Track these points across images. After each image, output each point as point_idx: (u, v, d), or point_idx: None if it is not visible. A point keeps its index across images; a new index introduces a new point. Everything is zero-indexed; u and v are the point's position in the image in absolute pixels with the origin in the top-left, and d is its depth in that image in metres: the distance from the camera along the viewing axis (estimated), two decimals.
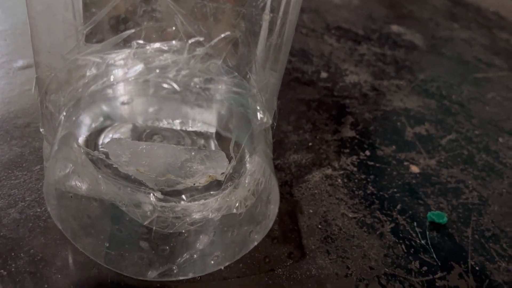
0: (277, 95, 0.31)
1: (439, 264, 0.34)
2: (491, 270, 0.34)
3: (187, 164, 0.32)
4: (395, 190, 0.40)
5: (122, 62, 0.24)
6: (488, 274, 0.34)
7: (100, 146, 0.32)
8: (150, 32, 0.26)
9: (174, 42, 0.25)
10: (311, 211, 0.36)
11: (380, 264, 0.33)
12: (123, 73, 0.23)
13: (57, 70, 0.25)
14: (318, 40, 0.65)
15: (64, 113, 0.24)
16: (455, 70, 0.66)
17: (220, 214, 0.31)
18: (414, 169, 0.43)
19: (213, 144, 0.33)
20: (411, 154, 0.45)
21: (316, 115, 0.48)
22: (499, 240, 0.37)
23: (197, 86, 0.23)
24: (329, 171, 0.40)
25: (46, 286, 0.27)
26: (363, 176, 0.41)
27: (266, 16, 0.27)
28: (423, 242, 0.35)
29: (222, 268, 0.30)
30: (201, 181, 0.32)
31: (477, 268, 0.34)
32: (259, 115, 0.26)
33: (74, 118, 0.23)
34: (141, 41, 0.25)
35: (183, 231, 0.31)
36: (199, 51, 0.25)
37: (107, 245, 0.29)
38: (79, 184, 0.30)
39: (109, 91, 0.22)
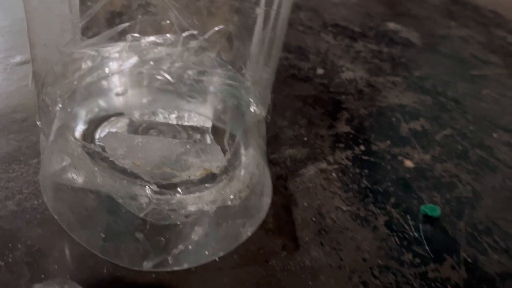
0: (271, 89, 0.32)
1: (432, 256, 0.34)
2: (483, 262, 0.35)
3: (182, 157, 0.33)
4: (389, 184, 0.40)
5: (117, 55, 0.25)
6: (480, 266, 0.34)
7: (96, 140, 0.32)
8: (145, 25, 0.26)
9: (168, 35, 0.25)
10: (305, 204, 0.36)
11: (373, 256, 0.33)
12: (118, 65, 0.24)
13: (53, 63, 0.26)
14: (315, 38, 0.65)
15: (60, 105, 0.24)
16: (451, 67, 0.67)
17: (215, 207, 0.32)
18: (409, 163, 0.43)
19: (208, 139, 0.34)
20: (405, 149, 0.45)
21: (311, 110, 0.49)
22: (492, 233, 0.38)
23: (191, 78, 0.23)
24: (323, 165, 0.41)
25: (42, 276, 0.27)
26: (357, 170, 0.41)
27: (260, 10, 0.27)
28: (416, 234, 0.36)
29: (217, 259, 0.30)
30: (196, 174, 0.33)
31: (469, 260, 0.35)
32: (252, 108, 0.26)
33: (69, 110, 0.23)
34: (136, 35, 0.26)
35: (178, 223, 0.31)
36: (193, 44, 0.25)
37: (103, 236, 0.29)
38: (76, 176, 0.31)
39: (104, 82, 0.23)
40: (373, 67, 0.60)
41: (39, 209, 0.31)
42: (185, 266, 0.29)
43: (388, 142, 0.46)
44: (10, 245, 0.28)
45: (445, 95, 0.58)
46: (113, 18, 0.26)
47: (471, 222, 0.38)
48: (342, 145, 0.44)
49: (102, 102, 0.23)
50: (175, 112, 0.34)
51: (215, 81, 0.25)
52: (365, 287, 0.31)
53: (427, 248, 0.35)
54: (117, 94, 0.22)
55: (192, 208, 0.32)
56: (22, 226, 0.30)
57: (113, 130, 0.33)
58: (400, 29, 0.75)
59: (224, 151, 0.31)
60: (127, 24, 0.25)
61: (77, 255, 0.29)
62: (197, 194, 0.33)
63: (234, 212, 0.30)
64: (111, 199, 0.31)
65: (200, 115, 0.29)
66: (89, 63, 0.25)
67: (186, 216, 0.32)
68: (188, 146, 0.33)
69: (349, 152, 0.43)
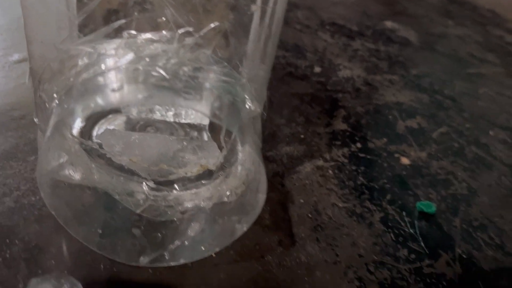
0: (267, 86, 0.32)
1: (427, 252, 0.34)
2: (478, 258, 0.35)
3: (179, 154, 0.33)
4: (385, 181, 0.40)
5: (113, 51, 0.25)
6: (475, 262, 0.35)
7: (94, 138, 0.32)
8: (141, 22, 0.27)
9: (164, 32, 0.26)
10: (302, 201, 0.36)
11: (369, 252, 0.33)
12: (114, 61, 0.24)
13: (50, 60, 0.26)
14: (313, 36, 0.65)
15: (56, 101, 0.24)
16: (448, 65, 0.67)
17: (211, 203, 0.32)
18: (405, 161, 0.44)
19: (206, 136, 0.34)
20: (402, 146, 0.46)
21: (309, 108, 0.49)
22: (487, 229, 0.38)
23: (186, 74, 0.23)
24: (320, 162, 0.41)
25: (40, 271, 0.27)
26: (353, 168, 0.41)
27: (255, 7, 0.28)
28: (411, 231, 0.36)
29: (213, 255, 0.30)
30: (193, 170, 0.33)
31: (464, 256, 0.35)
32: (248, 104, 0.26)
33: (66, 106, 0.24)
34: (132, 32, 0.26)
35: (175, 219, 0.31)
36: (189, 41, 0.25)
37: (100, 232, 0.29)
38: (73, 173, 0.31)
39: (100, 79, 0.23)
40: (371, 65, 0.61)
41: (36, 206, 0.31)
42: (182, 261, 0.29)
43: (385, 139, 0.46)
44: (7, 241, 0.29)
45: (442, 93, 0.58)
46: (110, 15, 0.26)
47: (466, 219, 0.38)
48: (338, 143, 0.44)
49: (98, 98, 0.23)
50: (172, 109, 0.34)
51: (211, 77, 0.25)
52: (360, 282, 0.31)
53: (423, 244, 0.35)
54: (113, 90, 0.23)
55: (188, 205, 0.32)
56: (20, 222, 0.30)
57: (111, 127, 0.33)
58: (398, 28, 0.75)
59: (220, 148, 0.31)
60: (123, 21, 0.25)
61: (74, 251, 0.29)
62: (194, 190, 0.33)
63: (230, 208, 0.30)
64: (108, 196, 0.32)
65: (196, 111, 0.29)
66: (86, 60, 0.25)
67: (183, 213, 0.32)
68: (185, 143, 0.33)
69: (345, 150, 0.43)
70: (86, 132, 0.32)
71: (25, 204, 0.31)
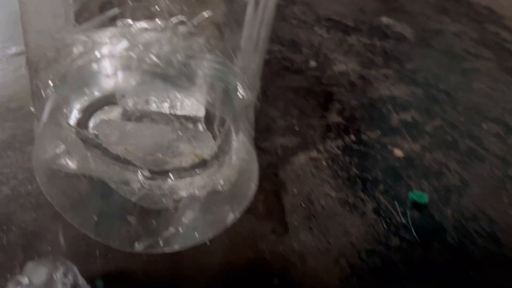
0: (260, 76, 0.32)
1: (418, 240, 0.35)
2: (469, 247, 0.35)
3: (174, 144, 0.34)
4: (378, 172, 0.41)
5: (108, 40, 0.25)
6: (466, 250, 0.35)
7: (91, 129, 0.33)
8: (135, 12, 0.27)
9: (158, 21, 0.26)
10: (295, 191, 0.37)
11: (361, 241, 0.34)
12: (108, 49, 0.24)
13: (46, 49, 0.27)
14: (309, 31, 0.66)
15: (52, 88, 0.25)
16: (443, 61, 0.67)
17: (205, 192, 0.32)
18: (398, 153, 0.44)
19: (201, 128, 0.35)
20: (395, 139, 0.46)
21: (304, 102, 0.49)
22: (478, 219, 0.38)
23: (179, 62, 0.24)
24: (314, 154, 0.41)
25: (36, 256, 0.28)
26: (347, 159, 0.42)
27: None
28: (403, 220, 0.37)
29: (208, 242, 0.31)
30: (188, 160, 0.34)
31: (455, 245, 0.35)
32: (240, 92, 0.27)
33: (61, 92, 0.24)
34: (126, 21, 0.26)
35: (170, 207, 0.32)
36: (182, 29, 0.26)
37: (96, 219, 0.30)
38: (69, 162, 0.31)
39: (95, 65, 0.24)
40: (366, 60, 0.61)
41: (33, 194, 0.32)
42: (176, 248, 0.29)
43: (379, 132, 0.47)
44: (4, 227, 0.29)
45: (437, 87, 0.58)
46: (105, 4, 0.27)
47: (458, 209, 0.39)
48: (333, 135, 0.45)
49: (92, 84, 0.23)
50: (168, 100, 0.35)
51: (204, 65, 0.25)
52: (352, 269, 0.32)
53: (414, 234, 0.36)
54: (107, 76, 0.23)
55: (183, 193, 0.33)
56: (17, 210, 0.30)
57: (107, 118, 0.34)
58: (394, 24, 0.76)
59: (214, 138, 0.32)
60: (117, 10, 0.26)
61: (70, 237, 0.29)
62: (188, 179, 0.33)
63: (224, 197, 0.31)
64: (104, 184, 0.32)
65: (189, 97, 0.30)
66: (81, 48, 0.25)
67: (177, 201, 0.32)
68: (179, 133, 0.33)
69: (339, 142, 0.44)
70: (82, 124, 0.33)
71: (22, 192, 0.32)
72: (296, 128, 0.44)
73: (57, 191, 0.30)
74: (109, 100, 0.33)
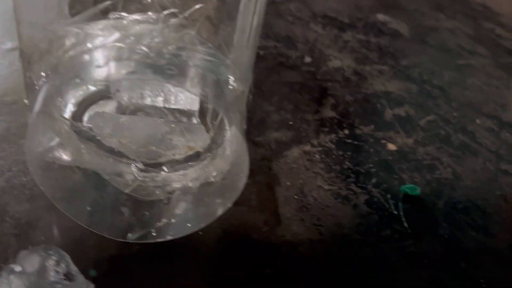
0: (252, 69, 0.33)
1: (410, 232, 0.35)
2: (460, 238, 0.36)
3: (168, 137, 0.34)
4: (371, 165, 0.41)
5: (100, 31, 0.26)
6: (457, 241, 0.35)
7: (84, 122, 0.33)
8: (128, 5, 0.27)
9: (150, 13, 0.26)
10: (288, 183, 0.37)
11: (353, 232, 0.34)
12: (100, 41, 0.25)
13: (39, 40, 0.27)
14: (304, 28, 0.66)
15: (44, 80, 0.25)
16: (438, 57, 0.68)
17: (198, 183, 0.33)
18: (391, 147, 0.45)
19: (195, 121, 0.35)
20: (389, 133, 0.46)
21: (298, 96, 0.50)
22: (470, 212, 0.39)
23: (170, 53, 0.24)
24: (308, 147, 0.42)
25: (29, 246, 0.28)
26: (340, 153, 0.42)
27: None
28: (395, 212, 0.37)
29: (200, 232, 0.31)
30: (181, 152, 0.34)
31: (446, 236, 0.36)
32: (231, 83, 0.27)
33: (52, 83, 0.24)
34: (119, 13, 0.26)
35: (163, 198, 0.32)
36: (173, 21, 0.26)
37: (90, 209, 0.30)
38: (63, 154, 0.32)
39: (86, 56, 0.24)
40: (361, 56, 0.61)
41: (27, 186, 0.32)
42: (168, 237, 0.30)
43: (372, 126, 0.47)
44: None
45: (431, 83, 0.59)
46: None
47: (450, 202, 0.39)
48: (326, 129, 0.45)
49: (83, 74, 0.24)
50: (162, 94, 0.35)
51: (195, 56, 0.26)
52: (343, 260, 0.32)
53: (406, 225, 0.36)
54: (98, 66, 0.23)
55: (176, 185, 0.33)
56: (11, 201, 0.31)
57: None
58: (389, 21, 0.76)
59: (207, 130, 0.32)
60: (109, 2, 0.26)
61: (63, 228, 0.30)
62: (182, 172, 0.34)
63: (215, 188, 0.31)
64: (98, 176, 0.32)
65: (182, 88, 0.30)
66: (73, 40, 0.26)
67: (171, 193, 0.33)
68: (173, 125, 0.34)
69: (333, 136, 0.44)
70: (77, 118, 0.33)
71: (16, 184, 0.32)
72: (290, 123, 0.45)
73: (51, 183, 0.30)
74: (104, 94, 0.33)
